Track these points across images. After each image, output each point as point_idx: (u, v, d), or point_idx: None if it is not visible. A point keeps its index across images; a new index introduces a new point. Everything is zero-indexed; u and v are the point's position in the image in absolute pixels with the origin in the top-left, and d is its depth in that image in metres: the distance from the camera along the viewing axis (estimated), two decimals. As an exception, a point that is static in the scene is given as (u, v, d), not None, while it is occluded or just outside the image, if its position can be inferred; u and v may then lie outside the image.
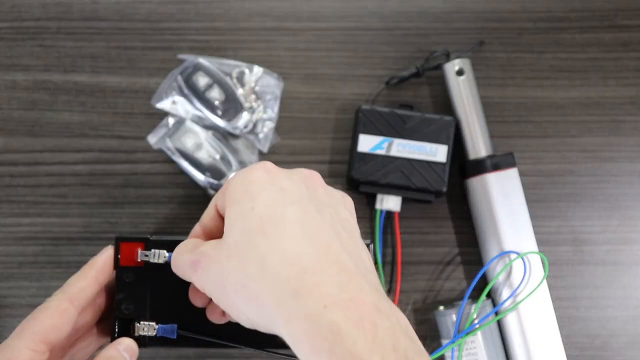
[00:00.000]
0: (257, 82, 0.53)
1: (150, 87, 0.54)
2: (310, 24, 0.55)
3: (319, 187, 0.37)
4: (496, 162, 0.51)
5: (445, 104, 0.54)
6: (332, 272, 0.31)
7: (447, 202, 0.54)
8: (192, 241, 0.39)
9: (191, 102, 0.52)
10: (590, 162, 0.55)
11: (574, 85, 0.55)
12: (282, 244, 0.32)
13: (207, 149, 0.52)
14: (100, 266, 0.41)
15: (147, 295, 0.42)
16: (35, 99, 0.54)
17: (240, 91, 0.53)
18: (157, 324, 0.42)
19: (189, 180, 0.52)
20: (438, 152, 0.51)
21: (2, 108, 0.53)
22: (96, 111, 0.54)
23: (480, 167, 0.51)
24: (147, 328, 0.42)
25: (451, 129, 0.51)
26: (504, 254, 0.50)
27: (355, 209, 0.53)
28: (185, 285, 0.40)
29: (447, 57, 0.53)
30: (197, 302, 0.40)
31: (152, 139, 0.53)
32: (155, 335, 0.42)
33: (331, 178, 0.53)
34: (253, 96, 0.53)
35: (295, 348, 0.31)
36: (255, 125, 0.53)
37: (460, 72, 0.52)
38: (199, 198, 0.53)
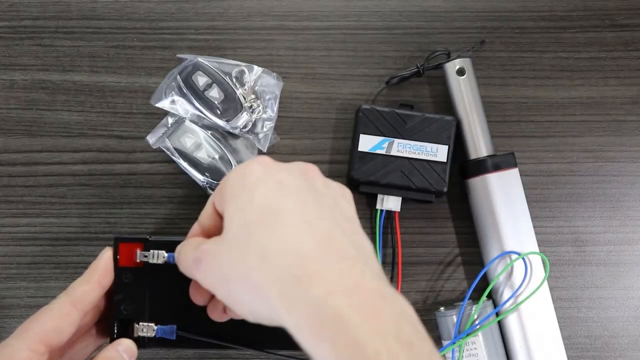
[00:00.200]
0: (257, 82, 0.53)
1: (149, 87, 0.53)
2: (310, 23, 0.55)
3: (317, 179, 0.37)
4: (497, 162, 0.50)
5: (445, 104, 0.53)
6: (334, 259, 0.31)
7: (447, 202, 0.54)
8: (193, 239, 0.39)
9: (190, 102, 0.52)
10: (592, 162, 0.54)
11: (575, 84, 0.55)
12: (282, 233, 0.32)
13: (207, 149, 0.52)
14: (102, 269, 0.41)
15: (147, 296, 0.42)
16: (33, 99, 0.53)
17: (239, 91, 0.53)
18: (156, 324, 0.42)
19: (189, 180, 0.52)
20: (438, 152, 0.51)
21: (0, 108, 0.53)
22: (95, 111, 0.53)
23: (481, 167, 0.51)
24: (147, 329, 0.42)
25: (452, 129, 0.51)
26: (504, 254, 0.50)
27: (356, 209, 0.53)
28: (185, 285, 0.40)
29: (448, 57, 0.53)
30: (198, 300, 0.40)
31: (151, 139, 0.52)
32: (155, 336, 0.42)
33: (331, 178, 0.53)
34: (252, 96, 0.53)
35: (298, 336, 0.31)
36: (254, 125, 0.53)
37: (461, 72, 0.52)
38: (199, 198, 0.52)
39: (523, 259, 0.49)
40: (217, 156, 0.51)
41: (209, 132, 0.52)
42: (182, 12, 0.55)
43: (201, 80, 0.52)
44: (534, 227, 0.50)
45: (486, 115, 0.52)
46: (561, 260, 0.53)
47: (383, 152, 0.51)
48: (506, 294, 0.49)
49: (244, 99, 0.53)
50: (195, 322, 0.41)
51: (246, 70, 0.53)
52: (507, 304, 0.49)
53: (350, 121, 0.54)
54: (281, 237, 0.32)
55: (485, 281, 0.51)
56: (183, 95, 0.52)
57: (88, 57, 0.54)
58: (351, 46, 0.55)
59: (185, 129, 0.52)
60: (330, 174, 0.53)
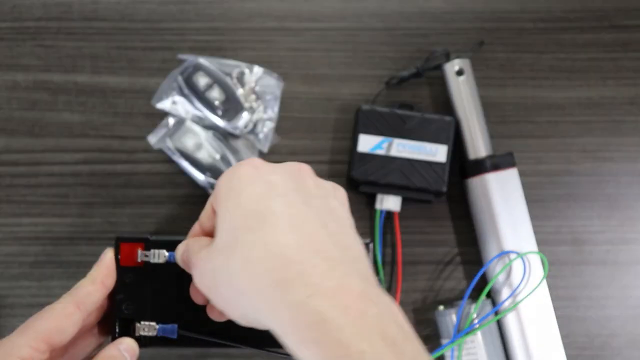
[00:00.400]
0: (257, 82, 0.54)
1: (151, 87, 0.54)
2: (310, 24, 0.55)
3: (308, 179, 0.37)
4: (496, 162, 0.51)
5: (445, 104, 0.54)
6: (316, 261, 0.31)
7: (447, 202, 0.54)
8: (192, 240, 0.39)
9: (191, 102, 0.52)
10: (590, 162, 0.55)
11: (573, 85, 0.55)
12: (265, 237, 0.32)
13: (208, 149, 0.52)
14: (106, 270, 0.41)
15: (148, 295, 0.43)
16: (35, 99, 0.54)
17: (240, 91, 0.53)
18: (157, 324, 0.42)
19: (189, 180, 0.53)
20: (438, 152, 0.51)
21: (2, 108, 0.53)
22: (97, 111, 0.54)
23: (480, 167, 0.51)
24: (148, 328, 0.42)
25: (451, 129, 0.51)
26: (503, 253, 0.50)
27: (355, 209, 0.53)
28: (186, 284, 0.40)
29: (447, 57, 0.53)
30: (199, 299, 0.40)
31: (153, 139, 0.53)
32: (156, 335, 0.42)
33: (331, 178, 0.52)
34: (253, 96, 0.53)
35: (283, 340, 0.31)
36: (255, 126, 0.53)
37: (460, 72, 0.52)
38: (199, 198, 0.53)
39: (522, 258, 0.50)
40: (217, 156, 0.52)
41: (210, 132, 0.52)
42: (183, 13, 0.55)
43: (202, 80, 0.52)
44: (533, 226, 0.51)
45: (485, 115, 0.52)
46: (560, 259, 0.53)
47: (383, 152, 0.51)
48: (505, 293, 0.50)
49: (245, 99, 0.53)
50: (196, 321, 0.42)
51: (247, 71, 0.53)
52: (506, 303, 0.49)
53: (350, 121, 0.54)
54: (264, 241, 0.32)
55: (484, 280, 0.51)
56: (184, 95, 0.52)
57: (90, 58, 0.54)
58: (351, 47, 0.55)
59: (186, 129, 0.52)
60: (330, 174, 0.54)
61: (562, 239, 0.54)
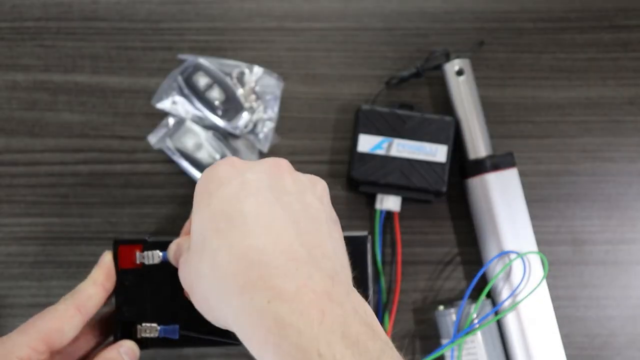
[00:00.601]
0: (257, 82, 0.54)
1: (151, 87, 0.54)
2: (310, 24, 0.55)
3: (285, 175, 0.36)
4: (496, 162, 0.51)
5: (445, 104, 0.54)
6: (279, 262, 0.31)
7: (447, 202, 0.54)
8: (180, 240, 0.40)
9: (191, 102, 0.52)
10: (590, 162, 0.55)
11: (573, 85, 0.55)
12: (231, 239, 0.32)
13: (208, 149, 0.52)
14: (106, 273, 0.41)
15: (148, 296, 0.42)
16: (35, 99, 0.54)
17: (240, 91, 0.53)
18: (159, 325, 0.42)
19: (189, 180, 0.53)
20: (438, 152, 0.51)
21: (2, 108, 0.53)
22: (96, 111, 0.54)
23: (480, 167, 0.51)
24: (150, 330, 0.42)
25: (451, 129, 0.51)
26: (503, 253, 0.50)
27: (355, 209, 0.54)
28: None
29: (447, 57, 0.53)
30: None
31: (153, 139, 0.53)
32: (158, 336, 0.42)
33: (331, 178, 0.54)
34: (253, 96, 0.53)
35: (246, 344, 0.31)
36: (255, 126, 0.53)
37: (460, 72, 0.52)
38: (200, 198, 0.53)
39: (522, 258, 0.50)
40: (217, 156, 0.52)
41: (210, 132, 0.52)
42: (183, 13, 0.55)
43: (202, 80, 0.52)
44: (533, 226, 0.51)
45: (485, 115, 0.52)
46: (560, 259, 0.54)
47: (383, 152, 0.51)
48: (505, 293, 0.50)
49: (245, 99, 0.53)
50: (197, 320, 0.41)
51: (247, 71, 0.53)
52: (506, 303, 0.49)
53: (350, 121, 0.54)
54: (230, 244, 0.32)
55: (484, 280, 0.51)
56: (184, 95, 0.52)
57: (90, 58, 0.54)
58: (351, 47, 0.55)
59: (186, 129, 0.52)
60: (330, 174, 0.54)
61: (562, 239, 0.54)
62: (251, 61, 0.54)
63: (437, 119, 0.51)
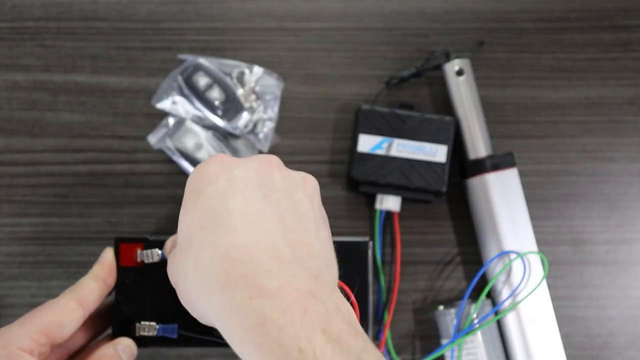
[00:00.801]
0: (257, 82, 0.54)
1: (151, 87, 0.54)
2: (310, 24, 0.55)
3: (275, 172, 0.36)
4: (496, 162, 0.51)
5: (445, 104, 0.54)
6: (262, 260, 0.30)
7: (447, 202, 0.54)
8: (172, 238, 0.40)
9: (191, 102, 0.52)
10: (590, 162, 0.55)
11: (573, 85, 0.55)
12: (216, 237, 0.32)
13: (208, 149, 0.52)
14: (107, 268, 0.42)
15: (147, 295, 0.43)
16: (35, 99, 0.54)
17: (240, 91, 0.53)
18: (157, 323, 0.42)
19: (189, 180, 0.53)
20: (438, 152, 0.51)
21: (2, 108, 0.53)
22: (96, 111, 0.54)
23: (480, 167, 0.51)
24: (148, 328, 0.42)
25: (451, 129, 0.51)
26: (503, 253, 0.50)
27: (355, 209, 0.53)
28: None
29: (447, 57, 0.53)
30: None
31: (153, 139, 0.53)
32: (156, 335, 0.42)
33: (331, 178, 0.53)
34: (253, 96, 0.53)
35: (229, 341, 0.31)
36: (255, 126, 0.53)
37: (460, 72, 0.52)
38: (199, 198, 0.53)
39: (522, 258, 0.50)
40: (217, 156, 0.52)
41: (210, 132, 0.52)
42: (183, 13, 0.55)
43: (202, 80, 0.52)
44: (533, 226, 0.51)
45: (485, 115, 0.52)
46: (560, 259, 0.54)
47: (383, 152, 0.51)
48: (505, 293, 0.50)
49: (245, 99, 0.53)
50: (196, 320, 0.42)
51: (247, 71, 0.53)
52: (506, 303, 0.49)
53: (350, 121, 0.54)
54: (214, 242, 0.32)
55: (484, 280, 0.51)
56: (184, 95, 0.52)
57: (90, 58, 0.54)
58: (351, 47, 0.55)
59: (186, 129, 0.52)
60: (330, 174, 0.54)
61: (562, 239, 0.54)
62: (251, 61, 0.54)
63: (437, 119, 0.51)
